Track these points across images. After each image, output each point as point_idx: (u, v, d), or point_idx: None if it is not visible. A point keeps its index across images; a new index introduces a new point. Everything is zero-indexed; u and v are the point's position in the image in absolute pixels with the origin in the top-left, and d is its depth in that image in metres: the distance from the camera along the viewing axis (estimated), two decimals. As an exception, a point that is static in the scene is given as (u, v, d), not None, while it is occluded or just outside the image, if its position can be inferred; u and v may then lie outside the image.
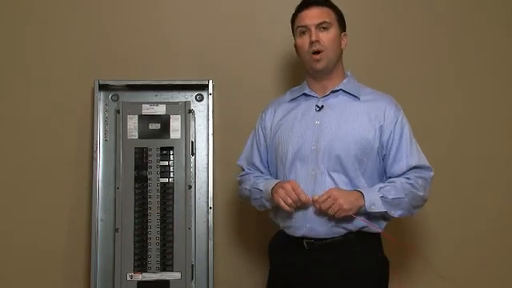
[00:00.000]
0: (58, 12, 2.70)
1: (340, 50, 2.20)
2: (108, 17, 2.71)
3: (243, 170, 2.36)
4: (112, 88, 2.61)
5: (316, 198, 2.03)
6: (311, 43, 2.13)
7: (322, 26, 2.15)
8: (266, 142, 2.30)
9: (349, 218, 2.05)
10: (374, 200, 2.03)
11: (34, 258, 2.65)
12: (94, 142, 2.55)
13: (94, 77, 2.58)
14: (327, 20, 2.16)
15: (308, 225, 2.09)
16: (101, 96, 2.60)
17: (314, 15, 2.16)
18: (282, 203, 2.04)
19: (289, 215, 2.11)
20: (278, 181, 2.15)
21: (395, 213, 2.08)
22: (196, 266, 2.53)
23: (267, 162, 2.31)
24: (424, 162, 2.16)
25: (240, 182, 2.35)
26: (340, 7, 2.24)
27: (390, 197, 2.05)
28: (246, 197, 2.31)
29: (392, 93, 2.58)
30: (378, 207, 2.03)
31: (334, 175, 2.09)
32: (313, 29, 2.14)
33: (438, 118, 2.76)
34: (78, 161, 2.66)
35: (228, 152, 2.56)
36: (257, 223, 2.66)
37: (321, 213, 2.04)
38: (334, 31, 2.17)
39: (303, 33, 2.17)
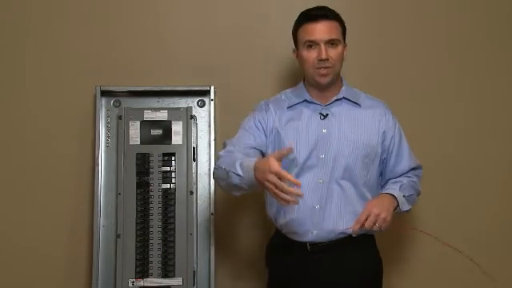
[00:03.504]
0: (59, 18, 2.71)
1: (342, 62, 2.21)
2: (109, 23, 2.72)
3: (225, 147, 2.19)
4: (114, 94, 2.62)
5: (357, 223, 2.09)
6: (320, 60, 2.12)
7: (331, 43, 2.14)
8: (265, 134, 2.23)
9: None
10: (402, 200, 2.15)
11: (35, 263, 2.66)
12: (96, 148, 2.56)
13: (95, 83, 2.59)
14: (336, 37, 2.14)
15: (315, 232, 2.12)
16: (103, 102, 2.61)
17: (323, 30, 2.13)
18: (283, 202, 1.82)
19: (290, 215, 2.13)
20: (253, 162, 1.91)
21: (407, 208, 2.20)
22: (197, 271, 2.53)
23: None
24: (418, 162, 2.32)
25: (218, 158, 2.15)
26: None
27: (407, 194, 2.18)
28: (220, 177, 2.09)
29: (393, 93, 2.59)
30: (406, 206, 2.17)
31: (342, 183, 2.13)
32: (322, 45, 2.12)
33: (439, 119, 2.76)
34: (80, 166, 2.67)
35: (229, 158, 2.55)
36: (258, 229, 2.66)
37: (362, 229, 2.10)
38: (341, 47, 2.17)
39: (310, 46, 2.15)
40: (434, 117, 2.75)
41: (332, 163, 2.13)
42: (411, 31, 2.76)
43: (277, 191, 1.79)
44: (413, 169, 2.28)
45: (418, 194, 2.31)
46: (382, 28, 2.77)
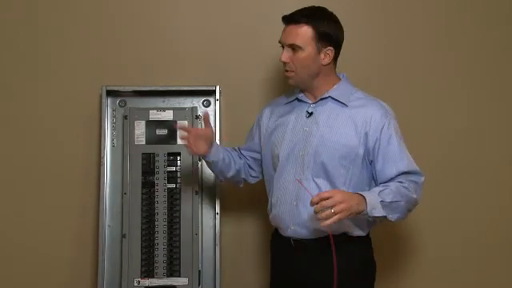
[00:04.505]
0: (65, 19, 2.70)
1: (317, 67, 2.15)
2: (115, 23, 2.71)
3: None
4: (119, 94, 2.61)
5: (317, 195, 1.91)
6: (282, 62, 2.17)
7: (292, 47, 2.12)
8: (259, 138, 2.36)
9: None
10: (374, 204, 1.97)
11: (41, 263, 2.66)
12: (102, 148, 2.56)
13: (101, 83, 2.58)
14: (298, 43, 2.10)
15: (292, 227, 2.15)
16: (108, 102, 2.60)
17: (288, 34, 2.13)
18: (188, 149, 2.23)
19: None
20: None
21: (393, 216, 2.03)
22: (203, 271, 2.54)
23: (251, 153, 2.40)
24: (414, 167, 2.13)
25: None
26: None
27: (388, 200, 1.99)
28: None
29: (392, 93, 2.59)
30: (379, 211, 1.98)
31: (318, 181, 2.13)
32: (284, 48, 2.14)
33: (440, 119, 2.77)
34: (86, 166, 2.67)
35: (235, 158, 2.55)
36: (263, 228, 2.67)
37: (315, 209, 1.90)
38: (306, 52, 2.11)
39: (282, 47, 2.17)
40: (434, 117, 2.77)
41: (309, 161, 2.14)
42: (412, 31, 2.77)
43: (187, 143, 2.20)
44: (404, 173, 2.09)
45: (411, 201, 2.08)
46: (380, 28, 2.78)
